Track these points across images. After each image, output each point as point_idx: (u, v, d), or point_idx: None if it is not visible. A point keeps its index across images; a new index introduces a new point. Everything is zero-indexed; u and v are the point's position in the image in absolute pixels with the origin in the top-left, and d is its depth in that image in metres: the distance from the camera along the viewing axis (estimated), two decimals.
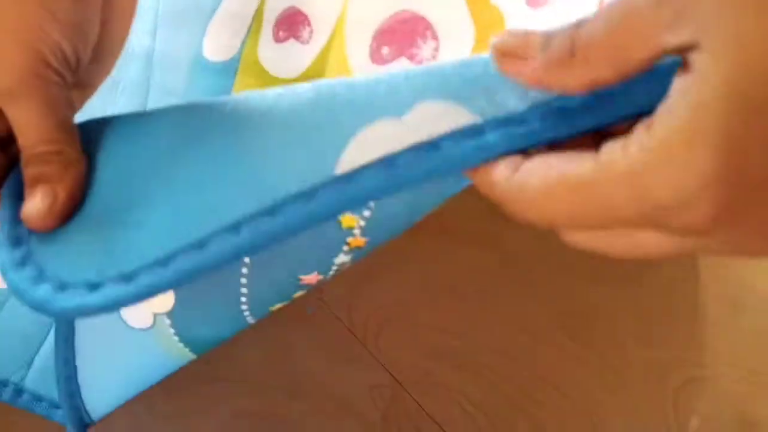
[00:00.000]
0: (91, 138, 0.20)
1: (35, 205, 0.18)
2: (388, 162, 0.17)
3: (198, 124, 0.19)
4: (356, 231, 0.23)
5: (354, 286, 0.34)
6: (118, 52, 0.22)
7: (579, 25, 0.15)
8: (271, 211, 0.17)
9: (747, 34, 0.13)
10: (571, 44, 0.15)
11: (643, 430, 0.30)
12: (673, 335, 0.32)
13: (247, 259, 0.24)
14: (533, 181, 0.15)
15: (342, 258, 0.24)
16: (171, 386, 0.29)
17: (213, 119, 0.19)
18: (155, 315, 0.25)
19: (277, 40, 0.30)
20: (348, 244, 0.23)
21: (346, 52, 0.28)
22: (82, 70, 0.20)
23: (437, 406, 0.32)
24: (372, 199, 0.17)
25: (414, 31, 0.27)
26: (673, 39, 0.14)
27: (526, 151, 0.16)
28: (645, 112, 0.15)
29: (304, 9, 0.30)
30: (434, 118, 0.17)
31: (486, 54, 0.17)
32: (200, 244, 0.17)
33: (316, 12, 0.29)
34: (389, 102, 0.17)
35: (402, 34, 0.27)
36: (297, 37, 0.30)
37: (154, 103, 0.33)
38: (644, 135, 0.14)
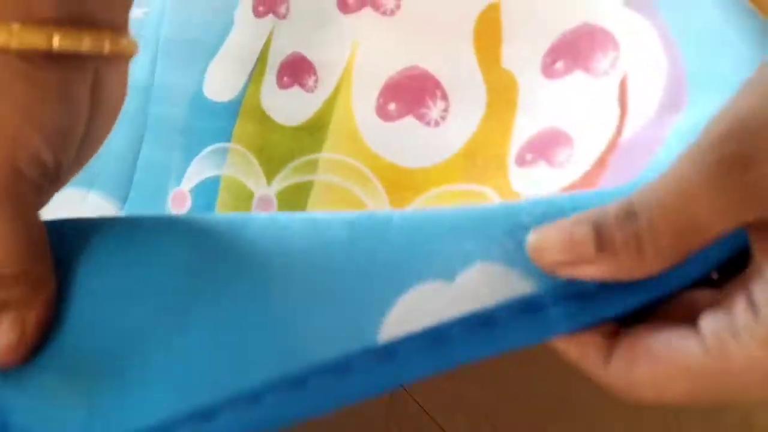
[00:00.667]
0: (64, 242, 0.16)
1: (2, 337, 0.15)
2: (437, 336, 0.14)
3: (210, 258, 0.16)
4: None
5: None
6: (98, 149, 0.19)
7: (631, 215, 0.14)
8: (298, 381, 0.14)
9: None
10: (636, 242, 0.14)
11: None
12: None
13: None
14: (640, 371, 0.14)
15: None
16: None
17: (229, 256, 0.16)
18: None
19: (281, 86, 0.30)
20: None
21: (352, 105, 0.28)
22: (61, 174, 0.17)
23: (438, 406, 0.32)
24: (415, 377, 0.15)
25: (423, 89, 0.26)
26: (740, 219, 0.13)
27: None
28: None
29: (310, 56, 0.29)
30: (487, 285, 0.15)
31: (533, 200, 0.15)
32: (209, 413, 0.14)
33: (322, 60, 0.29)
34: (437, 260, 0.15)
35: (411, 91, 0.26)
36: (302, 85, 0.29)
37: (152, 135, 0.32)
38: (753, 323, 0.13)
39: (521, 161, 0.24)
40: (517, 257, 0.15)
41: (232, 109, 0.30)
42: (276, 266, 0.15)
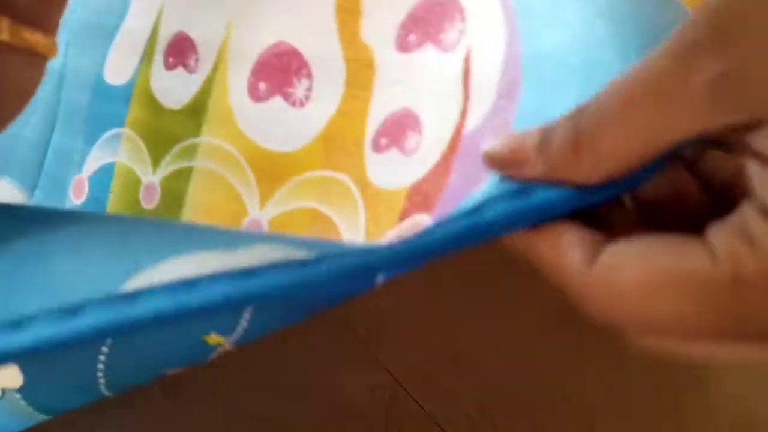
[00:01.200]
0: None
1: None
2: (186, 286, 0.15)
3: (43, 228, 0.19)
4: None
5: None
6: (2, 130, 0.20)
7: (581, 111, 0.13)
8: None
9: None
10: (574, 138, 0.13)
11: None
12: None
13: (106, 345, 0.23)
14: (627, 275, 0.13)
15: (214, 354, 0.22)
16: (170, 390, 0.29)
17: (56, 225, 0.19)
18: (3, 389, 0.24)
19: (167, 67, 0.29)
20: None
21: (228, 85, 0.27)
22: None
23: (438, 406, 0.32)
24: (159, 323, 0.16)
25: (289, 67, 0.26)
26: (720, 120, 0.12)
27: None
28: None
29: (192, 34, 0.28)
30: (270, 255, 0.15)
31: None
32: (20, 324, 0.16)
33: (201, 37, 0.28)
34: (223, 240, 0.16)
35: (279, 69, 0.26)
36: (185, 66, 0.29)
37: (61, 122, 0.32)
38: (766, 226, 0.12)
39: (377, 146, 0.23)
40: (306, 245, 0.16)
41: (126, 94, 0.30)
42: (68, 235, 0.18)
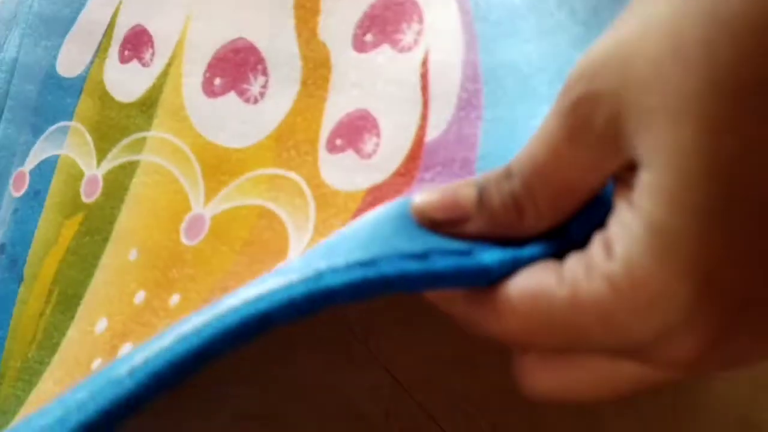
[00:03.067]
0: None
1: None
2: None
3: None
4: None
5: None
6: None
7: (508, 176, 0.14)
8: None
9: (685, 143, 0.12)
10: (513, 201, 0.14)
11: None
12: None
13: None
14: (490, 291, 0.15)
15: None
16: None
17: None
18: None
19: (122, 60, 0.29)
20: None
21: (182, 80, 0.27)
22: None
23: (438, 406, 0.32)
24: None
25: (246, 63, 0.26)
26: (606, 170, 0.13)
27: None
28: None
29: (150, 27, 0.28)
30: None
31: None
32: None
33: (159, 31, 0.28)
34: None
35: (235, 65, 0.26)
36: (140, 59, 0.28)
37: (9, 113, 0.31)
38: (606, 262, 0.13)
39: (332, 146, 0.23)
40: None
41: (78, 86, 0.30)
42: None
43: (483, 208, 0.15)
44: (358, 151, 0.23)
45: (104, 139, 0.29)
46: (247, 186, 0.25)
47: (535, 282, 0.14)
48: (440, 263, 0.15)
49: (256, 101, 0.25)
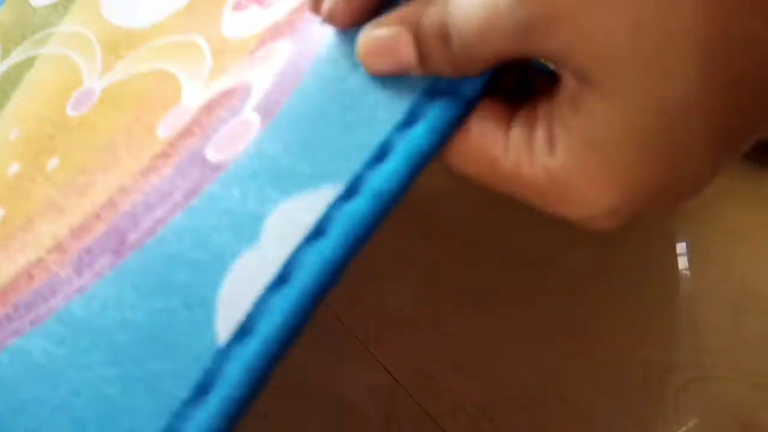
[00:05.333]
0: None
1: None
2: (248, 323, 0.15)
3: None
4: None
5: (354, 286, 0.34)
6: None
7: (447, 38, 0.15)
8: None
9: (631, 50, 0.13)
10: (451, 65, 0.16)
11: None
12: (673, 337, 0.32)
13: None
14: (457, 140, 0.16)
15: None
16: None
17: None
18: None
19: None
20: None
21: None
22: None
23: (438, 407, 0.32)
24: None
25: None
26: (541, 48, 0.14)
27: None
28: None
29: None
30: (287, 231, 0.15)
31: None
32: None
33: None
34: (239, 227, 0.15)
35: None
36: None
37: None
38: (547, 156, 0.15)
39: (237, 7, 0.24)
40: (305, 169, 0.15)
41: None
42: None
43: (424, 68, 0.16)
44: (261, 3, 0.23)
45: (9, 40, 0.28)
46: (145, 53, 0.24)
47: (485, 144, 0.16)
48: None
49: None
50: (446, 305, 0.34)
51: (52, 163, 0.23)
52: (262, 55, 0.21)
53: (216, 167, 0.18)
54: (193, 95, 0.21)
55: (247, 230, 0.15)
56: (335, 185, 0.15)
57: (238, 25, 0.23)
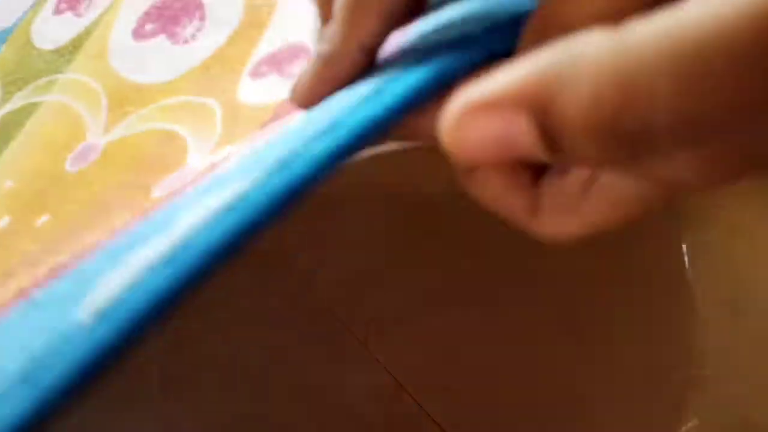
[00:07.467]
0: None
1: None
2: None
3: None
4: None
5: (354, 286, 0.34)
6: None
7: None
8: None
9: None
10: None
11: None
12: (673, 337, 0.32)
13: None
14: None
15: None
16: (171, 390, 0.28)
17: None
18: None
19: (56, 12, 0.29)
20: None
21: (112, 27, 0.27)
22: None
23: (438, 407, 0.32)
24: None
25: (185, 10, 0.25)
26: None
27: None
28: None
29: None
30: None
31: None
32: None
33: None
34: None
35: (172, 12, 0.26)
36: (74, 10, 0.28)
37: None
38: None
39: (255, 73, 0.23)
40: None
41: (2, 37, 0.30)
42: None
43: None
44: (280, 72, 0.22)
45: (12, 83, 0.28)
46: (154, 112, 0.24)
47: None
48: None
49: (186, 42, 0.25)
50: (446, 305, 0.34)
51: (42, 219, 0.22)
52: (271, 128, 0.20)
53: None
54: (199, 159, 0.21)
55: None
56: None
57: (255, 93, 0.22)
